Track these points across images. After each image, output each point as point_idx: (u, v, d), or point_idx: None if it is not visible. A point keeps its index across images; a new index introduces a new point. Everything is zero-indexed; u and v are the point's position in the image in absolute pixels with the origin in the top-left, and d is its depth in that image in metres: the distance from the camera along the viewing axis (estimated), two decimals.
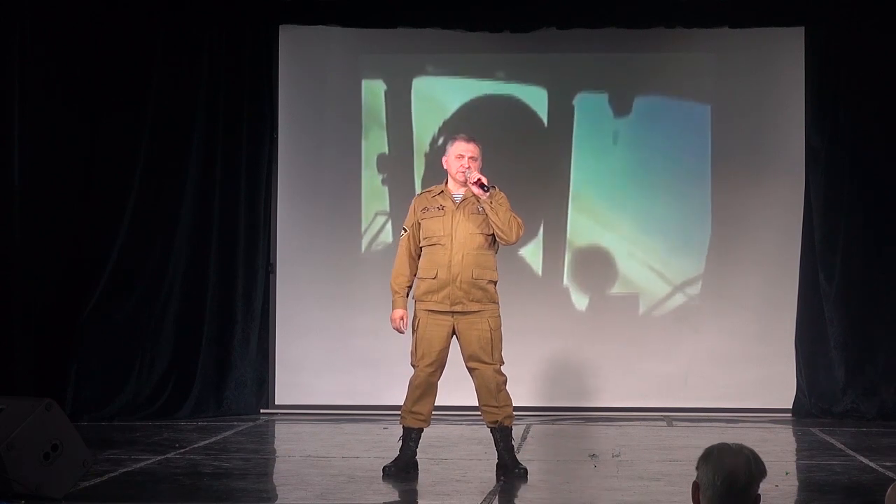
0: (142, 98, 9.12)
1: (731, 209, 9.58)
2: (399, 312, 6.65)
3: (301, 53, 9.78)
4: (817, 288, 9.31)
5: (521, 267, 9.55)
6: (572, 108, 9.72)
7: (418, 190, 8.43)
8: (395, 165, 9.75)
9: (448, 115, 9.69)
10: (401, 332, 6.71)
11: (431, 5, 9.52)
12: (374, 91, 9.77)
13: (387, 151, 9.76)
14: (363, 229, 9.75)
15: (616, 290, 9.67)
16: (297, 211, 9.73)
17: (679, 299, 9.63)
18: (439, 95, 9.77)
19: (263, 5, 9.60)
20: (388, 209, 9.70)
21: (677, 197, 9.65)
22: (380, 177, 9.75)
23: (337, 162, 9.79)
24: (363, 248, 9.76)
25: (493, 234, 6.56)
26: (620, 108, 9.70)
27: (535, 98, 9.72)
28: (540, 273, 9.71)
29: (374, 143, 9.77)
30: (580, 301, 9.69)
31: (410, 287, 6.70)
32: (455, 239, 6.55)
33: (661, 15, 9.41)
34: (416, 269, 6.67)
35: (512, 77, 9.75)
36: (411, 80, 9.77)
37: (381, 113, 9.77)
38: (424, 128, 9.71)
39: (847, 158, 9.24)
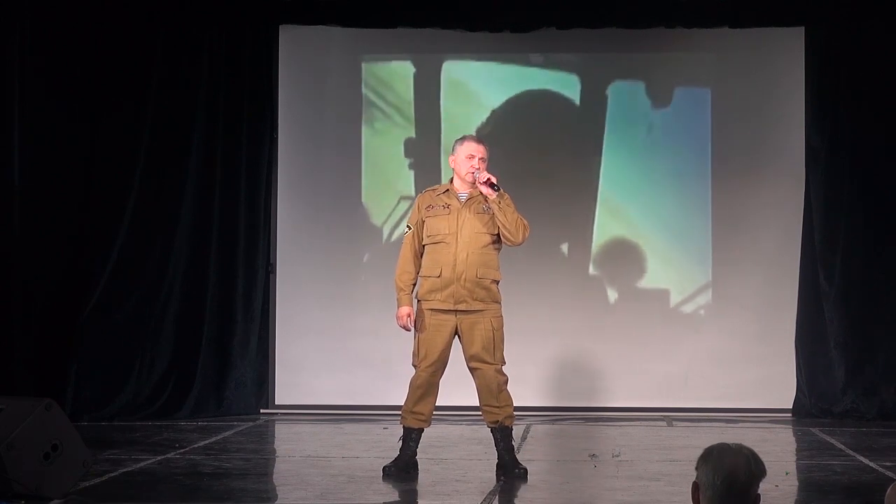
0: (142, 98, 9.12)
1: (731, 209, 9.58)
2: (405, 310, 6.62)
3: (301, 53, 9.78)
4: (817, 288, 9.31)
5: (527, 268, 9.53)
6: (579, 107, 9.72)
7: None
8: (401, 161, 9.74)
9: (452, 113, 9.68)
10: (407, 330, 6.68)
11: (431, 5, 9.53)
12: (376, 89, 9.77)
13: (391, 149, 9.75)
14: (361, 229, 9.75)
15: (617, 290, 9.66)
16: (297, 211, 9.73)
17: (679, 299, 9.62)
18: (448, 94, 9.76)
19: (263, 5, 9.60)
20: (393, 209, 9.69)
21: (677, 196, 9.65)
22: (384, 174, 9.74)
23: (337, 162, 9.78)
24: (364, 248, 9.75)
25: (497, 234, 6.56)
26: (623, 108, 9.70)
27: (543, 97, 9.71)
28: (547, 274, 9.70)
29: (377, 141, 9.76)
30: (582, 302, 9.68)
31: (415, 284, 6.69)
32: (460, 237, 6.55)
33: (661, 15, 9.41)
34: (420, 266, 6.68)
35: (518, 74, 9.74)
36: (413, 80, 9.76)
37: (383, 111, 9.76)
38: (431, 127, 9.71)
39: (847, 158, 9.24)
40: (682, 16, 9.42)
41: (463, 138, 6.74)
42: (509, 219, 6.47)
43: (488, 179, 6.47)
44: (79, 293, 8.91)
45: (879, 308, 9.19)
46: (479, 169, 6.55)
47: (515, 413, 6.70)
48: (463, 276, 6.51)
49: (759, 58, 9.58)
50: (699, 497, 2.93)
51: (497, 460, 6.62)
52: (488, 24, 9.49)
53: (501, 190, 6.51)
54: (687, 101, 9.72)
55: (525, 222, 6.56)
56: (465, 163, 6.60)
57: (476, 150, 6.60)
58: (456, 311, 6.53)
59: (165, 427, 8.66)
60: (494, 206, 6.48)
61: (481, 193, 6.54)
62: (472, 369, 6.59)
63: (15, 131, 8.60)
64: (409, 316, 6.61)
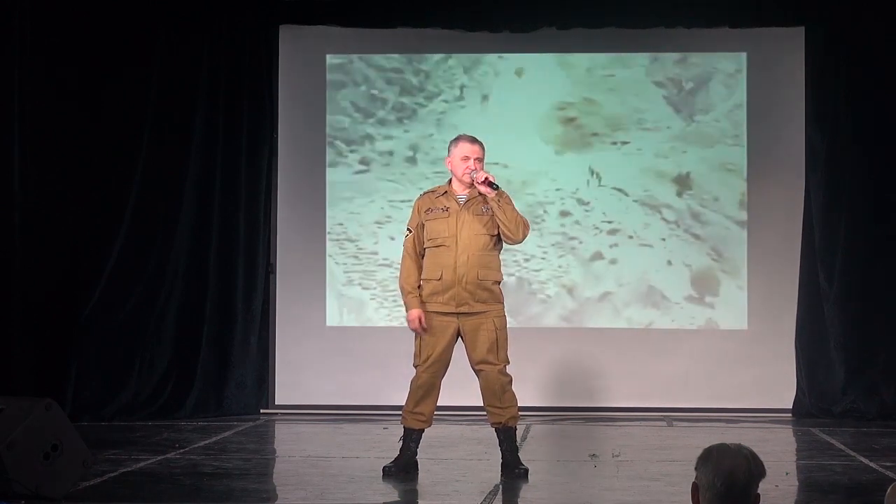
0: (142, 98, 9.13)
1: (732, 209, 9.58)
2: (415, 313, 6.51)
3: (301, 53, 9.78)
4: (817, 288, 9.31)
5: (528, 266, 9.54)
6: (578, 106, 9.73)
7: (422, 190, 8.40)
8: (408, 164, 9.74)
9: (449, 114, 9.69)
10: (422, 332, 6.52)
11: (431, 5, 9.53)
12: (376, 89, 9.77)
13: (392, 151, 9.75)
14: (362, 230, 9.74)
15: (617, 290, 9.66)
16: (297, 211, 9.73)
17: (679, 299, 9.62)
18: (438, 94, 9.77)
19: (263, 5, 9.60)
20: (392, 209, 9.69)
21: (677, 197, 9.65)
22: (389, 173, 9.75)
23: (336, 162, 9.78)
24: (365, 248, 9.75)
25: (497, 235, 6.55)
26: (622, 106, 9.70)
27: (542, 97, 9.72)
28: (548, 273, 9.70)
29: (377, 142, 9.76)
30: (583, 301, 9.68)
31: (420, 286, 6.63)
32: (460, 240, 6.53)
33: (661, 15, 9.42)
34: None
35: (511, 74, 9.74)
36: (413, 79, 9.76)
37: (383, 111, 9.76)
38: (428, 128, 9.72)
39: (847, 158, 9.24)
40: (682, 16, 9.43)
41: (457, 139, 6.69)
42: (509, 217, 6.46)
43: (486, 179, 6.46)
44: (79, 293, 8.92)
45: (879, 308, 9.19)
46: (475, 169, 6.53)
47: None
48: (464, 279, 6.50)
49: (759, 58, 9.59)
50: (699, 498, 2.93)
51: (501, 460, 6.62)
52: (488, 24, 9.50)
53: (500, 189, 6.51)
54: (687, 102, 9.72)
55: (525, 220, 6.56)
56: (460, 164, 6.57)
57: (471, 150, 6.57)
58: (458, 313, 6.52)
59: (165, 427, 8.66)
60: (494, 205, 6.46)
61: (480, 193, 6.53)
62: (476, 370, 6.58)
63: (15, 131, 8.60)
64: (419, 318, 6.52)
